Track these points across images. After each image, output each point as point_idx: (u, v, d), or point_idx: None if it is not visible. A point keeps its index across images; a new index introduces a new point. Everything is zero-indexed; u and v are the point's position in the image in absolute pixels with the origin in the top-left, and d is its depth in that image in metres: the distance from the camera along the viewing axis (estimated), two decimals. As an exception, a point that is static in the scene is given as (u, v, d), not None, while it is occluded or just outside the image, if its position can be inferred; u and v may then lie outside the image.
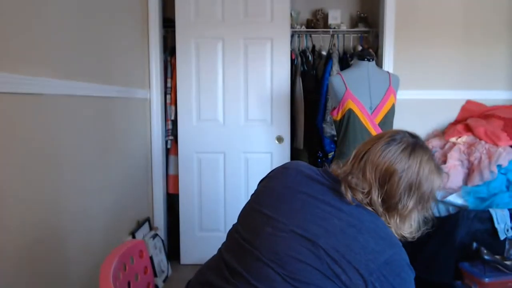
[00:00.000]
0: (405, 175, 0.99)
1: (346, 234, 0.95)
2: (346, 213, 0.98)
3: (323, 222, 0.97)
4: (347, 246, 0.93)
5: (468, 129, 2.58)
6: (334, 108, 2.29)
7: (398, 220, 1.02)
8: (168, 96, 3.08)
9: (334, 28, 3.34)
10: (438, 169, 1.04)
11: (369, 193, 1.00)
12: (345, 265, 0.91)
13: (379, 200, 0.99)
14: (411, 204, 1.00)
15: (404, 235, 1.04)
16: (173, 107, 3.06)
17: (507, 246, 2.21)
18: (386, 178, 0.99)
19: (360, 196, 1.00)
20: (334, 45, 3.39)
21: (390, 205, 1.00)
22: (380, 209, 1.00)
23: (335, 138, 2.99)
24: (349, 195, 0.99)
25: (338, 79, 2.26)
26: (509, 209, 2.25)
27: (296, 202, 1.03)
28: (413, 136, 1.06)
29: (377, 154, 1.01)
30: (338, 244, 0.93)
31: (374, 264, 0.91)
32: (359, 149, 1.07)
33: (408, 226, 1.04)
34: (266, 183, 1.16)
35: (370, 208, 1.01)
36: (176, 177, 3.04)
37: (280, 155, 2.94)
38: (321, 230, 0.96)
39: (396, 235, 1.02)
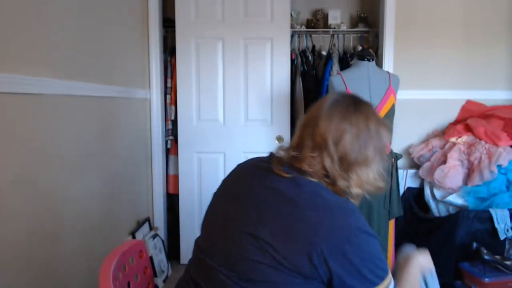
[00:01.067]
0: (357, 129, 0.96)
1: (283, 214, 0.91)
2: (283, 191, 0.95)
3: (263, 211, 0.95)
4: (284, 227, 0.90)
5: (468, 129, 2.57)
6: (334, 108, 2.29)
7: (361, 174, 0.98)
8: (168, 96, 3.08)
9: (334, 28, 3.34)
10: (382, 120, 1.04)
11: (321, 156, 0.96)
12: (284, 249, 0.88)
13: (336, 158, 0.95)
14: (370, 153, 0.97)
15: (370, 188, 1.01)
16: (173, 107, 3.06)
17: (507, 246, 2.21)
18: (339, 135, 0.96)
19: (306, 166, 0.96)
20: (334, 45, 3.39)
21: (349, 161, 0.96)
22: (338, 171, 0.96)
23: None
24: (280, 169, 0.97)
25: (338, 79, 2.26)
26: (509, 209, 2.25)
27: (245, 198, 1.01)
28: (351, 95, 1.07)
29: (325, 117, 0.98)
30: (275, 228, 0.90)
31: (317, 237, 0.86)
32: (304, 119, 1.04)
33: (373, 178, 1.00)
34: (221, 185, 1.15)
35: (314, 179, 0.96)
36: (176, 177, 3.04)
37: (280, 155, 2.94)
38: (261, 220, 0.93)
39: (357, 195, 0.99)
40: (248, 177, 1.07)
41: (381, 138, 1.00)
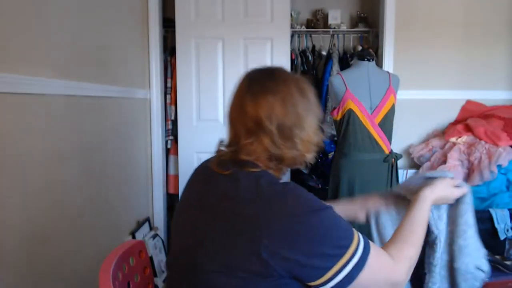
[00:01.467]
0: (280, 95, 0.94)
1: (224, 214, 0.89)
2: (223, 189, 0.93)
3: (207, 214, 0.93)
4: (227, 227, 0.87)
5: (468, 129, 2.57)
6: (334, 108, 2.29)
7: (302, 135, 0.95)
8: (168, 96, 3.09)
9: (334, 28, 3.34)
10: (300, 78, 1.02)
11: (258, 138, 0.94)
12: (229, 250, 0.85)
13: (275, 132, 0.93)
14: (301, 112, 0.95)
15: (315, 143, 0.99)
16: (173, 107, 3.06)
17: (507, 246, 2.20)
18: (269, 109, 0.93)
19: (246, 156, 0.94)
20: (334, 45, 3.39)
21: (288, 127, 0.94)
22: (281, 143, 0.93)
23: (335, 138, 2.99)
24: (217, 167, 0.96)
25: (338, 79, 2.26)
26: (509, 209, 2.25)
27: (194, 206, 0.99)
28: (262, 67, 1.04)
29: (249, 99, 0.96)
30: (219, 230, 0.88)
31: (260, 230, 0.83)
32: (230, 111, 1.01)
33: (313, 135, 0.98)
34: (180, 197, 1.12)
35: (257, 167, 0.94)
36: (176, 177, 3.04)
37: (280, 155, 2.94)
38: (206, 224, 0.91)
39: (309, 158, 0.98)
40: (196, 182, 1.06)
41: (305, 95, 0.98)
